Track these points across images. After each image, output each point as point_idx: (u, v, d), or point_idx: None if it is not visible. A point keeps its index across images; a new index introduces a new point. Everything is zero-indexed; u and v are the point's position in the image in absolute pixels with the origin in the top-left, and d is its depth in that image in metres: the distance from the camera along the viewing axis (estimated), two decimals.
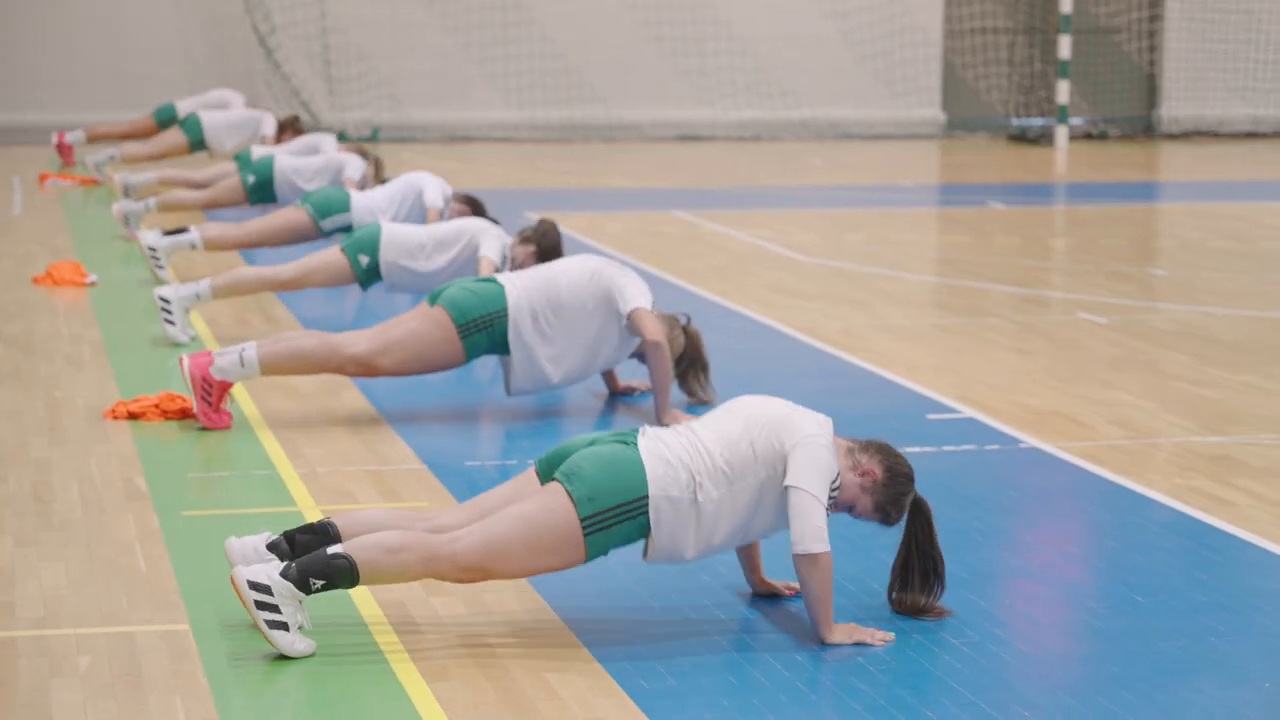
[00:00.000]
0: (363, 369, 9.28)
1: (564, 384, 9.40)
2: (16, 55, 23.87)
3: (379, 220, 12.50)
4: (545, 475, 6.39)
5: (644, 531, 6.28)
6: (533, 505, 6.22)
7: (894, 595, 6.55)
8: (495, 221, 11.73)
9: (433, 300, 9.34)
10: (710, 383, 9.65)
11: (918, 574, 6.49)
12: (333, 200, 13.09)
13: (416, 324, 9.29)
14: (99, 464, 8.47)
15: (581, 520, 6.20)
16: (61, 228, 16.14)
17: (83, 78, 23.87)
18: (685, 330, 9.48)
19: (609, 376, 9.97)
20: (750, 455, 6.30)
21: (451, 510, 6.51)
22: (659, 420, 9.26)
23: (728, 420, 6.41)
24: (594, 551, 6.25)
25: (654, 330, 9.14)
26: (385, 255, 11.23)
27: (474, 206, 12.36)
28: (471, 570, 6.18)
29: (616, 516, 6.22)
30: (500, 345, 9.27)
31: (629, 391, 9.94)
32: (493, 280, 9.36)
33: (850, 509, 6.46)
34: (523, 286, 9.27)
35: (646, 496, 6.24)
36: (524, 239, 10.74)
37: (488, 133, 24.89)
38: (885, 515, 6.47)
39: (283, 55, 24.17)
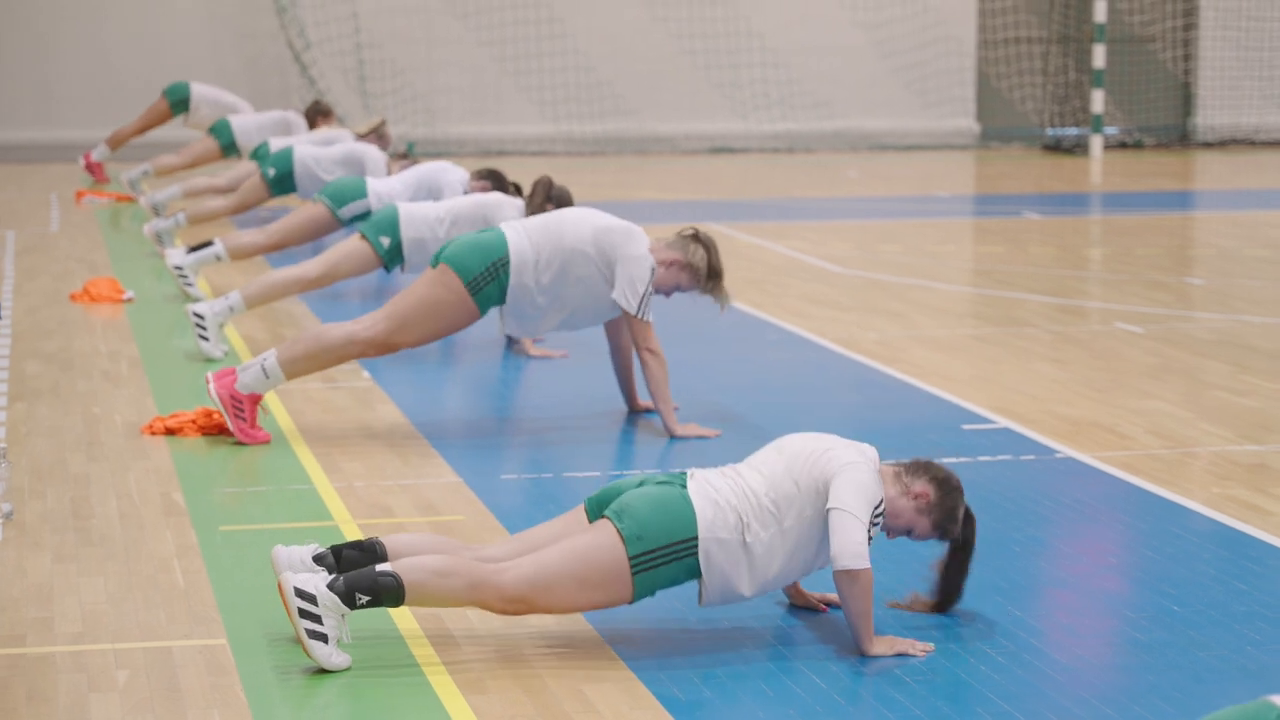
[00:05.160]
0: (384, 349, 9.23)
1: (554, 327, 9.36)
2: (51, 73, 23.99)
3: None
4: (594, 514, 6.41)
5: (692, 573, 6.30)
6: (582, 541, 6.24)
7: (932, 598, 6.58)
8: (518, 189, 11.80)
9: (435, 261, 9.28)
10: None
11: (955, 579, 6.53)
12: (347, 188, 13.13)
13: (425, 290, 9.20)
14: (137, 480, 8.51)
15: (630, 558, 6.21)
16: (98, 244, 16.21)
17: (116, 95, 23.96)
18: (700, 241, 9.34)
19: (629, 393, 9.87)
20: (794, 492, 6.32)
21: (499, 543, 6.53)
22: (669, 434, 9.23)
23: (772, 460, 6.44)
24: (641, 591, 6.26)
25: (644, 339, 9.14)
26: (406, 233, 11.26)
27: (495, 180, 12.41)
28: (516, 602, 6.19)
29: (665, 556, 6.24)
30: (508, 293, 9.25)
31: (649, 409, 9.86)
32: (493, 228, 9.34)
33: (909, 533, 6.48)
34: (526, 231, 9.25)
35: (696, 538, 6.26)
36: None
37: (522, 146, 24.94)
38: (944, 532, 6.49)
39: (318, 71, 24.24)
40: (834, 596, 6.67)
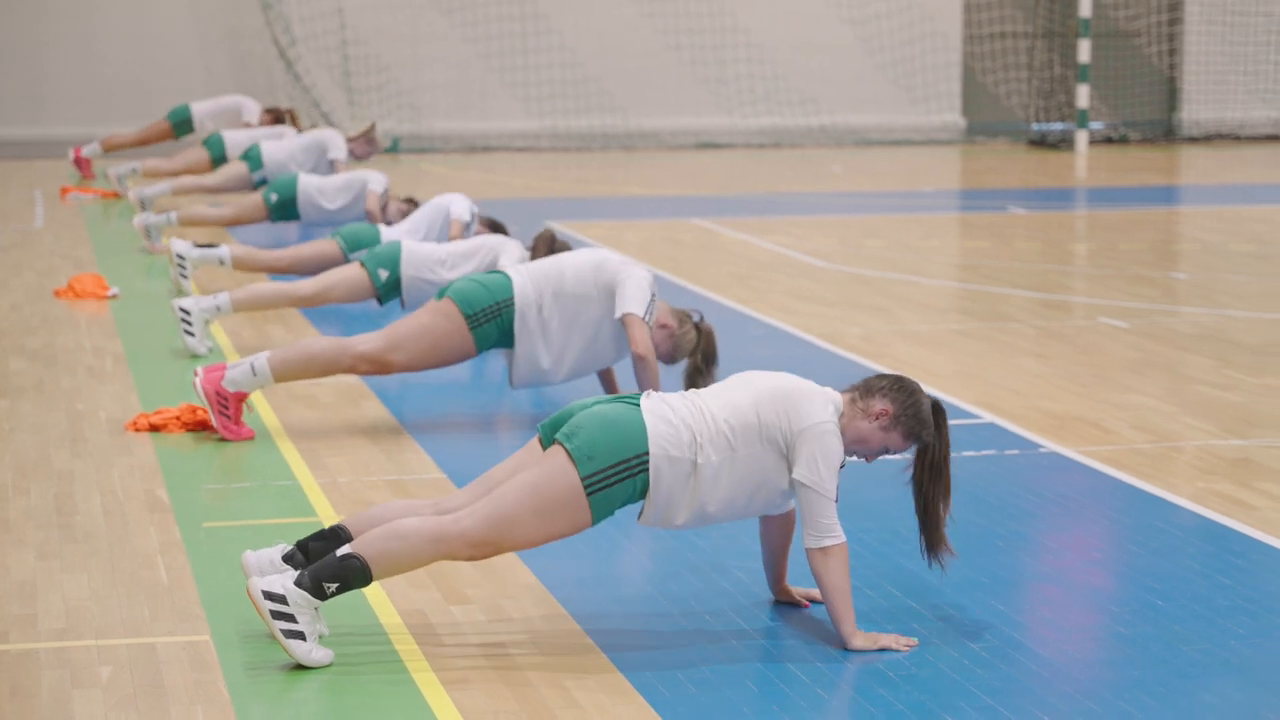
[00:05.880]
0: (375, 366, 9.28)
1: (563, 377, 9.35)
2: (38, 69, 23.95)
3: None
4: (548, 440, 6.34)
5: (645, 491, 6.24)
6: (535, 473, 6.19)
7: (926, 518, 6.42)
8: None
9: (440, 295, 9.36)
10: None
11: (942, 482, 6.38)
12: (363, 235, 13.17)
13: (426, 318, 9.29)
14: (121, 476, 8.50)
15: (583, 480, 6.15)
16: (83, 241, 16.19)
17: (103, 91, 23.95)
18: (698, 327, 9.39)
19: (608, 381, 9.89)
20: (755, 424, 6.27)
21: (459, 491, 6.49)
22: None
23: (736, 389, 6.38)
24: (599, 512, 6.20)
25: (641, 341, 9.08)
26: (406, 270, 11.27)
27: (495, 228, 12.43)
28: (481, 545, 6.15)
29: (618, 474, 6.18)
30: (509, 336, 9.26)
31: None
32: (500, 271, 9.39)
33: (885, 451, 6.41)
34: (529, 275, 9.29)
35: (647, 454, 6.20)
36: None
37: (508, 142, 24.93)
38: (918, 437, 6.39)
39: (303, 68, 24.23)
40: (816, 593, 6.66)
